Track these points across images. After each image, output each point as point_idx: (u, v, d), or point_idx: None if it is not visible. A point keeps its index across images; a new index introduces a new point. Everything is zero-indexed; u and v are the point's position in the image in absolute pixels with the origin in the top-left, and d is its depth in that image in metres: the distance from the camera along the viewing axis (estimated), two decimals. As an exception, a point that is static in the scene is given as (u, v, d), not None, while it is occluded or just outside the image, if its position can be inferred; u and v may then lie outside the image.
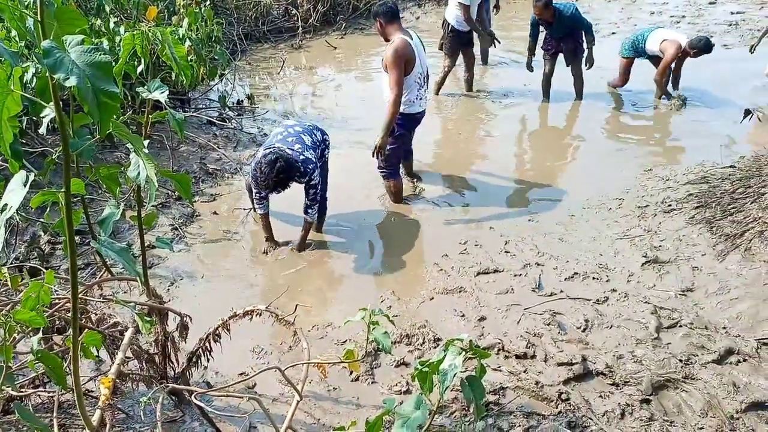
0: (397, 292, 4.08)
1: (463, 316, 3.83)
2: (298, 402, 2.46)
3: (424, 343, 3.62)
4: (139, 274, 1.90)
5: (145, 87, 2.20)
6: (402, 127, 4.79)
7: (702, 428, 2.86)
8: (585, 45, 6.80)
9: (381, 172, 5.03)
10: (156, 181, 1.83)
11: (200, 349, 2.95)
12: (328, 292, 4.19)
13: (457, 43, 7.19)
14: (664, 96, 7.10)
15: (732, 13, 10.26)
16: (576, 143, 6.34)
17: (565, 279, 4.13)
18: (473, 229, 4.81)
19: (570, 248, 4.47)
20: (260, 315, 2.87)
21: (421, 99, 4.77)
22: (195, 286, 4.18)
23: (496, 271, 4.26)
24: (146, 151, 1.98)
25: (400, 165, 5.17)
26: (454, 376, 1.90)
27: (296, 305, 2.85)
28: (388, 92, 4.59)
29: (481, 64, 8.34)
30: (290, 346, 3.54)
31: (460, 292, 4.06)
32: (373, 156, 4.81)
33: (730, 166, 5.24)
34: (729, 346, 3.36)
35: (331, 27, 10.23)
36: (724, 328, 3.55)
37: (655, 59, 7.07)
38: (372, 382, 3.34)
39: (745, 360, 3.28)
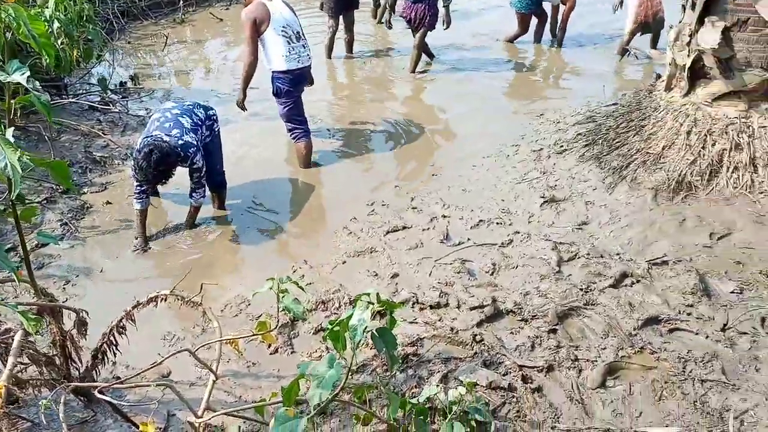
0: (308, 260, 4.04)
1: (377, 275, 3.85)
2: (214, 382, 2.40)
3: (340, 307, 3.62)
4: (13, 269, 1.76)
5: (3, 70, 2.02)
6: (286, 83, 4.82)
7: (605, 348, 3.05)
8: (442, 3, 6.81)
9: (292, 135, 5.06)
10: (20, 168, 1.69)
11: (104, 345, 2.81)
12: (238, 269, 4.10)
13: (336, 4, 7.10)
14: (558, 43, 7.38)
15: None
16: (470, 97, 6.46)
17: (471, 227, 4.24)
18: (379, 190, 4.83)
19: (473, 197, 4.58)
20: (165, 300, 2.76)
21: (296, 55, 4.76)
22: (93, 282, 3.95)
23: (404, 227, 4.30)
24: (10, 138, 1.83)
25: (307, 123, 5.13)
26: (364, 330, 1.91)
27: (201, 284, 2.76)
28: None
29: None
30: (203, 328, 3.44)
31: (371, 252, 4.08)
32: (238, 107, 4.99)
33: (613, 104, 5.52)
34: (623, 270, 3.58)
35: (215, -2, 9.82)
36: (618, 254, 3.78)
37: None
38: (291, 352, 3.31)
39: (638, 281, 3.51)
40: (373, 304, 1.89)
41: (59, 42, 5.31)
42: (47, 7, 5.24)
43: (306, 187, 4.98)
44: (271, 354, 3.30)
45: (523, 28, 7.61)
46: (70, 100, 6.06)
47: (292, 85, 4.87)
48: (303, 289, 2.52)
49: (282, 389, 1.91)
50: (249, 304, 3.64)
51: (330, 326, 1.96)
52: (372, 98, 6.59)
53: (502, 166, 4.98)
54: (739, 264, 3.57)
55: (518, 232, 4.12)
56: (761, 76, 4.22)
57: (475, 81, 6.82)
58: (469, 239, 4.11)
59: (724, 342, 3.03)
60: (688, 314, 3.22)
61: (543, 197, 4.44)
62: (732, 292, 3.35)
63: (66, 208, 4.66)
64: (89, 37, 5.96)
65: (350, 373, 2.04)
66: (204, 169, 4.20)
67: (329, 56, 7.47)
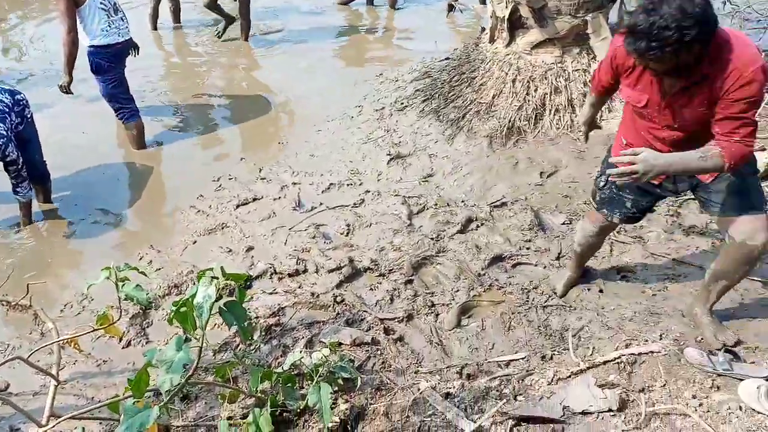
0: (155, 245, 3.82)
1: (230, 251, 3.74)
2: (57, 386, 2.21)
3: (203, 275, 3.46)
4: None
5: None
6: (107, 59, 4.47)
7: (458, 291, 3.21)
8: None
9: (119, 115, 4.71)
10: None
11: None
12: (77, 265, 3.77)
13: None
14: None
15: None
16: (310, 63, 6.37)
17: (323, 192, 4.24)
18: (225, 164, 4.66)
19: (322, 162, 4.57)
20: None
21: (116, 28, 4.44)
22: None
23: (255, 199, 4.20)
24: None
25: (134, 101, 4.79)
26: (211, 306, 1.84)
27: (27, 285, 2.50)
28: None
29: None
30: (41, 332, 3.14)
31: (222, 228, 3.94)
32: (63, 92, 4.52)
33: (446, 59, 5.72)
34: (468, 215, 3.77)
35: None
36: (462, 201, 3.97)
37: None
38: (146, 343, 3.13)
39: (482, 224, 3.72)
40: (217, 278, 1.82)
41: None
42: None
43: (144, 169, 4.67)
44: (123, 348, 3.10)
45: None
46: None
47: (115, 60, 4.51)
48: (146, 274, 2.37)
49: (129, 381, 1.79)
50: (92, 300, 3.38)
51: (175, 307, 1.86)
52: (206, 70, 6.30)
53: (347, 128, 4.99)
54: (566, 197, 3.91)
55: (369, 191, 4.18)
56: (570, 23, 4.57)
57: (314, 46, 6.74)
58: (321, 204, 4.10)
59: (559, 269, 3.31)
60: (528, 249, 3.47)
61: (389, 155, 4.53)
62: (563, 224, 3.66)
63: None
64: None
65: (208, 353, 1.96)
66: (20, 160, 3.78)
67: (154, 27, 7.00)
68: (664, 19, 1.89)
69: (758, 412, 2.30)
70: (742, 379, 2.42)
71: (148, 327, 3.23)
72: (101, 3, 4.34)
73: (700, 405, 2.39)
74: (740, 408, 2.34)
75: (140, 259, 3.72)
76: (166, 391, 1.72)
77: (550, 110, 4.56)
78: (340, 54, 6.56)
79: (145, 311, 3.28)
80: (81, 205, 4.24)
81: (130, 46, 4.64)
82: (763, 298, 2.96)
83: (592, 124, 2.94)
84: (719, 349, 2.57)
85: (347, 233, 3.81)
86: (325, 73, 6.12)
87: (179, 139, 5.05)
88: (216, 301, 1.85)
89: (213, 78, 6.13)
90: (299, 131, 5.01)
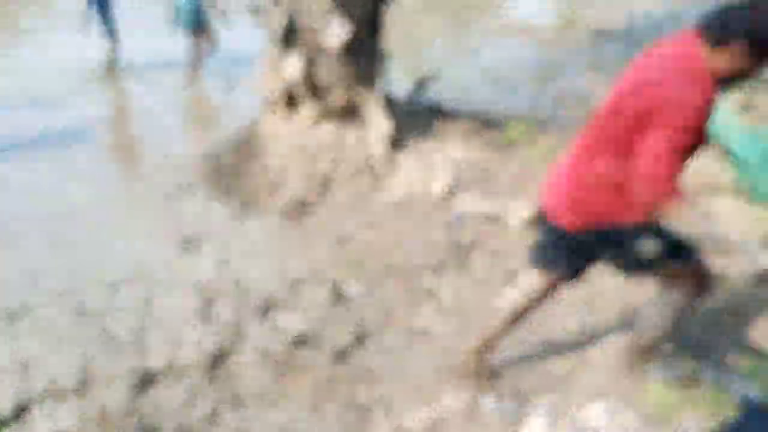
0: None
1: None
2: None
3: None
4: None
5: None
6: None
7: (263, 378, 3.10)
8: None
9: None
10: None
11: None
12: None
13: None
14: None
15: None
16: (86, 151, 5.93)
17: (108, 292, 3.88)
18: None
19: (106, 258, 4.21)
20: None
21: None
22: None
23: (29, 310, 3.72)
24: None
25: None
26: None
27: None
28: None
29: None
30: None
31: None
32: None
33: (229, 139, 5.66)
34: (266, 297, 3.71)
35: None
36: (260, 283, 3.90)
37: None
38: None
39: (281, 305, 3.67)
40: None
41: None
42: None
43: None
44: None
45: None
46: None
47: None
48: None
49: None
50: None
51: None
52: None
53: (131, 219, 4.68)
54: (361, 266, 4.01)
55: (160, 286, 3.91)
56: (343, 97, 4.84)
57: (90, 133, 6.29)
58: (108, 307, 3.75)
59: (362, 340, 3.38)
60: (329, 323, 3.48)
61: (179, 243, 4.32)
62: (361, 293, 3.75)
63: None
64: None
65: None
66: None
67: None
68: None
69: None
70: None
71: None
72: None
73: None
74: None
75: None
76: None
77: (336, 181, 4.73)
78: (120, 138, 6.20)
79: None
80: None
81: None
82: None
83: None
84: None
85: (138, 335, 3.51)
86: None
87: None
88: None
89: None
90: (77, 229, 4.57)
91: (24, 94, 6.80)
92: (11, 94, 6.63)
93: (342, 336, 3.38)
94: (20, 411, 3.00)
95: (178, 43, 8.41)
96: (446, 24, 9.96)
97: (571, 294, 3.25)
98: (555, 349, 3.13)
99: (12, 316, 3.66)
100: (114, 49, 7.68)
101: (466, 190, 4.64)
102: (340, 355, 3.24)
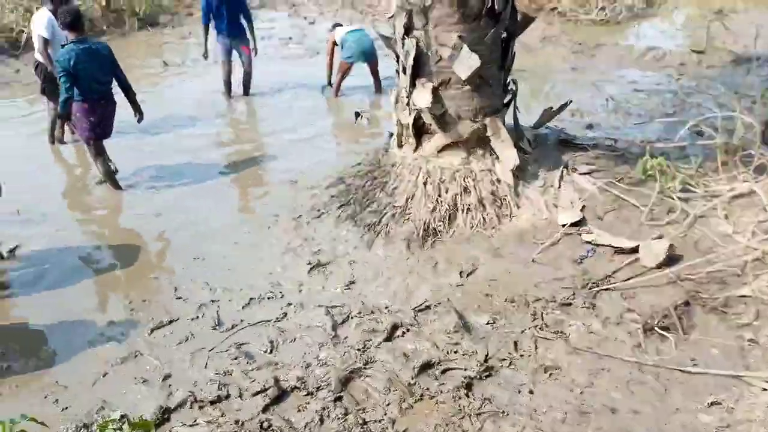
0: (61, 381, 3.53)
1: (145, 381, 3.51)
2: None
3: (106, 427, 3.20)
4: None
5: None
6: None
7: (389, 404, 3.14)
8: None
9: None
10: None
11: None
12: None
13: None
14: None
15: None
16: (221, 173, 6.35)
17: (243, 307, 4.12)
18: (137, 287, 4.45)
19: (241, 276, 4.46)
20: None
21: None
22: None
23: (171, 321, 4.01)
24: None
25: None
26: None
27: None
28: None
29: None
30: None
31: (136, 356, 3.72)
32: None
33: (358, 164, 5.87)
34: (393, 322, 3.76)
35: None
36: (386, 307, 3.97)
37: None
38: (52, 498, 2.82)
39: (408, 330, 3.71)
40: (121, 429, 1.69)
41: None
42: None
43: (47, 297, 4.36)
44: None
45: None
46: None
47: None
48: (45, 425, 2.17)
49: None
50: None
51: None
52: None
53: (264, 239, 4.94)
54: (488, 296, 3.98)
55: (291, 304, 4.10)
56: (471, 127, 4.85)
57: (219, 156, 6.74)
58: (242, 320, 3.98)
59: (488, 372, 3.32)
60: (455, 352, 3.47)
61: (309, 263, 4.50)
62: (487, 324, 3.71)
63: None
64: None
65: None
66: None
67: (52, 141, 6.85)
68: None
69: None
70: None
71: (53, 479, 2.92)
72: None
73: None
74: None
75: (45, 397, 3.42)
76: None
77: (462, 210, 4.73)
78: (250, 163, 6.58)
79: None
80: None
81: None
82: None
83: None
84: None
85: (271, 350, 3.69)
86: (236, 180, 6.12)
87: (86, 260, 4.81)
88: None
89: (114, 193, 5.94)
90: (214, 245, 4.90)
91: (167, 123, 7.43)
92: (157, 124, 7.28)
93: (468, 367, 3.35)
94: (162, 418, 3.23)
95: (308, 68, 8.95)
96: (575, 52, 9.75)
97: None
98: None
99: (157, 326, 3.96)
100: (249, 76, 8.20)
101: (597, 224, 4.47)
102: (467, 387, 3.21)
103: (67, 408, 3.33)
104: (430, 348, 3.53)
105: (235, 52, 7.99)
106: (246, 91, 8.28)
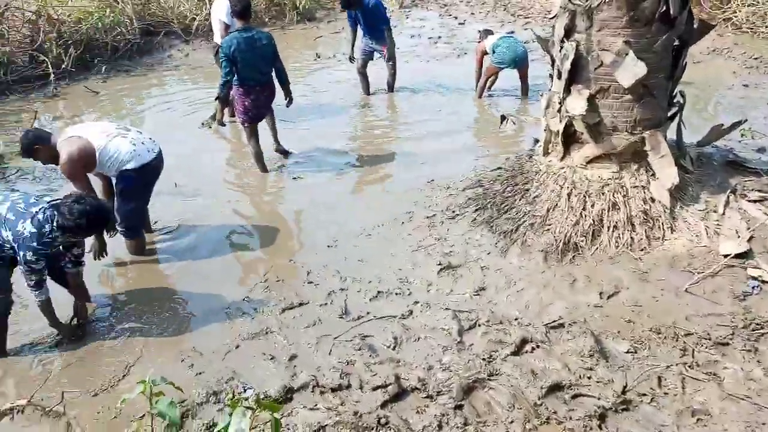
0: (197, 347, 3.73)
1: (273, 358, 3.62)
2: None
3: (233, 397, 3.33)
4: None
5: None
6: (136, 180, 4.44)
7: (512, 422, 2.98)
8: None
9: (123, 233, 4.65)
10: None
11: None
12: (115, 370, 3.65)
13: None
14: None
15: (479, 31, 11.37)
16: (355, 164, 6.44)
17: (370, 299, 4.12)
18: (273, 266, 4.62)
19: (371, 268, 4.48)
20: (22, 412, 2.39)
21: (142, 146, 4.41)
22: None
23: (301, 304, 4.11)
24: None
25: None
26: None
27: (62, 393, 2.41)
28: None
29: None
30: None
31: (266, 333, 3.84)
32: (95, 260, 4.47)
33: (498, 168, 5.70)
34: (523, 335, 3.57)
35: (90, 71, 9.39)
36: (516, 319, 3.79)
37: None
38: (180, 456, 2.97)
39: (538, 346, 3.51)
40: (252, 409, 1.70)
41: None
42: None
43: (187, 266, 4.65)
44: (155, 461, 2.93)
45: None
46: None
47: (146, 181, 4.53)
48: (181, 390, 2.27)
49: None
50: (129, 405, 3.25)
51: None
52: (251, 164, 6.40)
53: (397, 234, 4.93)
54: (630, 323, 3.67)
55: (417, 302, 4.05)
56: (627, 140, 4.51)
57: (358, 149, 6.84)
58: (368, 312, 3.98)
59: (625, 406, 3.04)
60: (589, 378, 3.23)
61: (440, 264, 4.42)
62: (627, 352, 3.42)
63: None
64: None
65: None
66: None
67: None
68: None
69: None
70: None
71: (182, 438, 3.07)
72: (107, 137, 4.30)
73: None
74: None
75: (182, 361, 3.63)
76: None
77: (609, 227, 4.41)
78: (388, 157, 6.61)
79: (182, 417, 3.13)
80: (114, 305, 4.22)
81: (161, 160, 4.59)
82: None
83: None
84: None
85: (394, 346, 3.65)
86: (374, 175, 6.18)
87: (228, 236, 5.07)
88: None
89: (260, 175, 6.21)
90: (349, 235, 4.97)
91: (312, 112, 7.70)
92: (303, 113, 7.57)
93: (603, 396, 3.10)
94: (285, 397, 3.30)
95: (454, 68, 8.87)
96: (748, 66, 8.83)
97: None
98: None
99: (288, 307, 4.07)
100: (393, 71, 8.27)
101: (766, 258, 3.98)
102: (599, 418, 2.96)
103: (200, 373, 3.51)
104: (560, 369, 3.31)
105: (376, 54, 8.14)
106: (390, 88, 8.38)
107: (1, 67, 8.54)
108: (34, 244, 3.43)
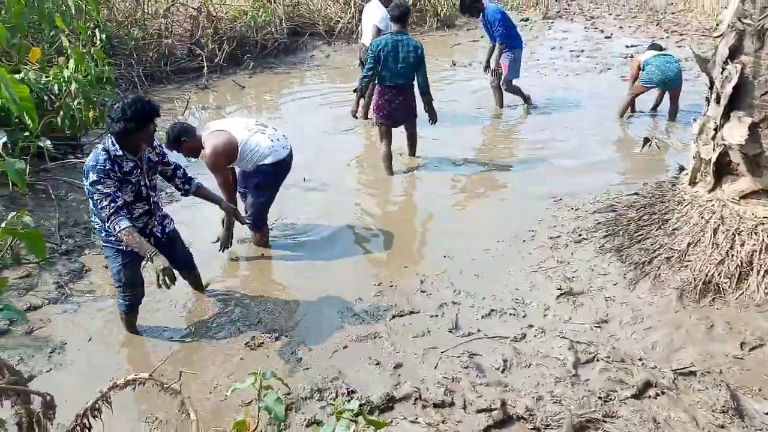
0: (307, 342, 3.80)
1: (378, 363, 3.60)
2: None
3: (337, 397, 3.36)
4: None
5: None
6: (271, 176, 4.61)
7: (626, 471, 2.74)
8: None
9: (251, 226, 4.79)
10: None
11: (77, 427, 2.57)
12: (229, 356, 3.80)
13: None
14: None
15: (627, 47, 10.81)
16: (483, 177, 6.31)
17: (482, 317, 4.00)
18: (387, 270, 4.62)
19: (486, 284, 4.35)
20: (143, 384, 2.53)
21: (278, 142, 4.56)
22: (81, 352, 3.74)
23: (411, 312, 4.07)
24: None
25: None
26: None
27: (180, 372, 2.53)
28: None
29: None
30: (182, 420, 3.17)
31: (374, 338, 3.84)
32: (221, 251, 4.67)
33: (635, 194, 5.33)
34: (646, 378, 3.29)
35: (239, 66, 10.00)
36: (641, 359, 3.49)
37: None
38: (280, 448, 3.03)
39: (663, 393, 3.21)
40: (356, 422, 1.66)
41: (75, 102, 5.32)
42: (66, 68, 5.27)
43: (302, 266, 4.74)
44: (256, 449, 3.01)
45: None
46: (82, 159, 6.02)
47: (277, 177, 4.69)
48: (287, 385, 2.29)
49: None
50: (239, 393, 3.37)
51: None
52: (384, 177, 6.46)
53: (517, 252, 4.75)
54: (774, 380, 3.27)
55: (532, 326, 3.86)
56: (792, 174, 4.03)
57: (486, 160, 6.68)
58: (479, 330, 3.86)
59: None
60: (720, 437, 2.90)
61: (560, 289, 4.20)
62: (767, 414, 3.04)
63: (64, 270, 4.52)
64: (105, 99, 5.94)
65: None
66: None
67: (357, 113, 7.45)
68: None
69: None
70: None
71: (284, 430, 3.13)
72: (248, 132, 4.48)
73: None
74: None
75: (292, 353, 3.71)
76: None
77: (759, 271, 3.95)
78: (515, 172, 6.40)
79: (285, 412, 3.20)
80: (240, 295, 4.40)
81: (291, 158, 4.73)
82: None
83: None
84: None
85: (503, 369, 3.50)
86: (499, 190, 6.02)
87: (347, 236, 5.15)
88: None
89: (379, 186, 6.26)
90: (467, 247, 4.85)
91: (444, 117, 7.63)
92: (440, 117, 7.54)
93: (735, 460, 2.77)
94: (386, 405, 3.26)
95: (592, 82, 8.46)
96: None
97: None
98: None
99: (398, 314, 4.04)
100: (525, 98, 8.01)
101: None
102: (729, 484, 2.65)
103: (308, 369, 3.56)
104: (687, 422, 3.00)
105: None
106: (527, 101, 8.06)
107: (163, 59, 9.32)
108: (94, 166, 3.36)
